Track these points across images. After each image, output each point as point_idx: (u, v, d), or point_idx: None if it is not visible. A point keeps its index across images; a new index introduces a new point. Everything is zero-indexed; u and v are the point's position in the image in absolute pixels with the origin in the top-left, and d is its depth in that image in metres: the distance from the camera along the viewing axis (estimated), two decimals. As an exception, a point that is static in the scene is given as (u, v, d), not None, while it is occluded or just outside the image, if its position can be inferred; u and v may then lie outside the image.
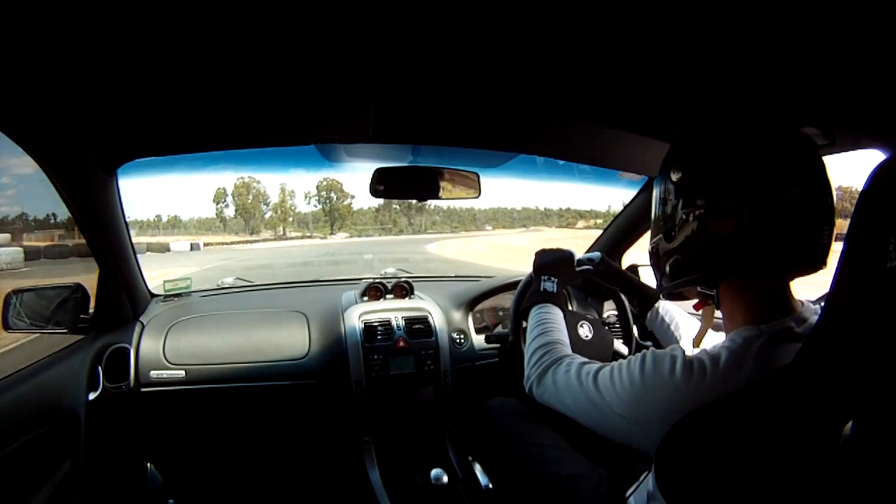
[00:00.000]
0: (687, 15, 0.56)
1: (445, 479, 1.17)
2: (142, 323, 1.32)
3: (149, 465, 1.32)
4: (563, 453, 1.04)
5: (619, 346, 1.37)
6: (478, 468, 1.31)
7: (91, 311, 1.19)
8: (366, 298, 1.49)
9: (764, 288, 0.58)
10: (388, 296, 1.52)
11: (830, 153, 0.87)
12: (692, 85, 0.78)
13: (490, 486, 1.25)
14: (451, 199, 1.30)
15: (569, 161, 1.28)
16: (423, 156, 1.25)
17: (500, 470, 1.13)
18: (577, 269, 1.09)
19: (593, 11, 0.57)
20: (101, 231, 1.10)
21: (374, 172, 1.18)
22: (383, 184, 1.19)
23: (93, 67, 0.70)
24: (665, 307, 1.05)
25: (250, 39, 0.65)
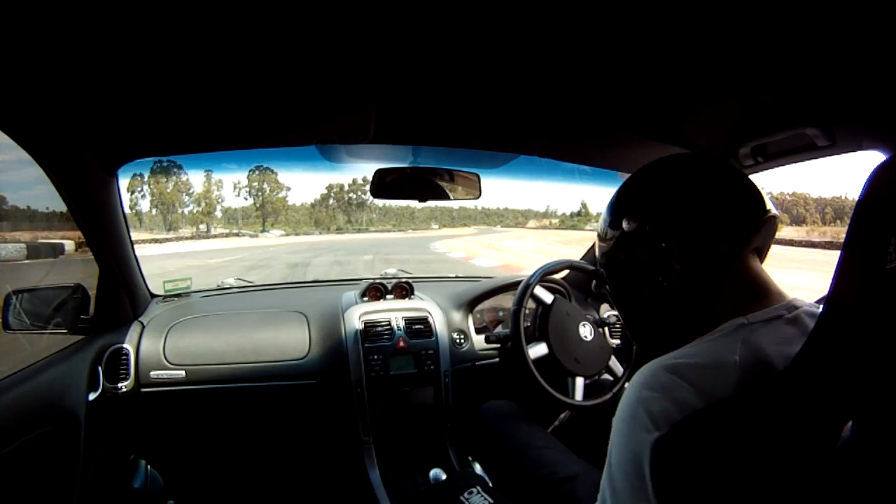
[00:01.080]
0: (686, 15, 0.57)
1: (445, 479, 1.18)
2: (142, 323, 1.32)
3: (148, 466, 1.32)
4: (560, 455, 1.04)
5: (616, 364, 1.36)
6: (477, 468, 1.31)
7: (91, 311, 1.19)
8: (366, 299, 1.49)
9: (735, 287, 0.58)
10: (388, 296, 1.51)
11: (831, 154, 0.87)
12: (692, 85, 0.78)
13: (490, 486, 1.25)
14: (452, 200, 1.31)
15: (568, 162, 1.28)
16: (423, 157, 1.26)
17: (499, 471, 1.13)
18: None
19: (592, 13, 0.57)
20: (101, 231, 1.10)
21: (375, 173, 1.18)
22: (384, 184, 1.20)
23: (93, 68, 0.70)
24: None
25: (251, 39, 0.65)
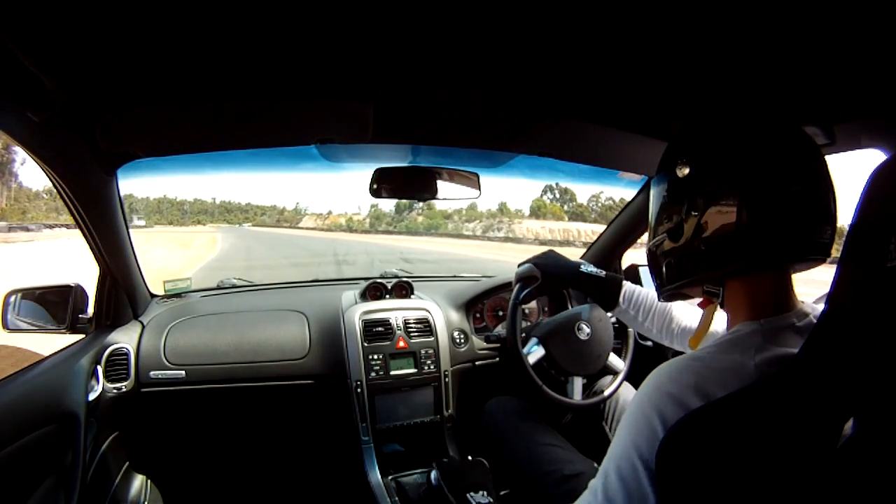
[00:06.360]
0: (686, 12, 0.57)
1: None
2: (141, 323, 1.32)
3: (148, 482, 1.31)
4: (565, 453, 1.04)
5: (616, 360, 1.36)
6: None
7: (91, 311, 1.19)
8: (366, 298, 1.49)
9: (767, 285, 0.57)
10: (388, 296, 1.51)
11: (830, 153, 0.87)
12: (691, 84, 0.78)
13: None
14: (451, 200, 1.30)
15: (568, 161, 1.28)
16: (423, 156, 1.25)
17: (502, 469, 1.12)
18: (520, 295, 1.15)
19: (592, 10, 0.57)
20: (101, 231, 1.10)
21: (374, 172, 1.18)
22: (383, 184, 1.19)
23: (93, 67, 0.70)
24: (627, 295, 1.03)
25: (250, 39, 0.65)
